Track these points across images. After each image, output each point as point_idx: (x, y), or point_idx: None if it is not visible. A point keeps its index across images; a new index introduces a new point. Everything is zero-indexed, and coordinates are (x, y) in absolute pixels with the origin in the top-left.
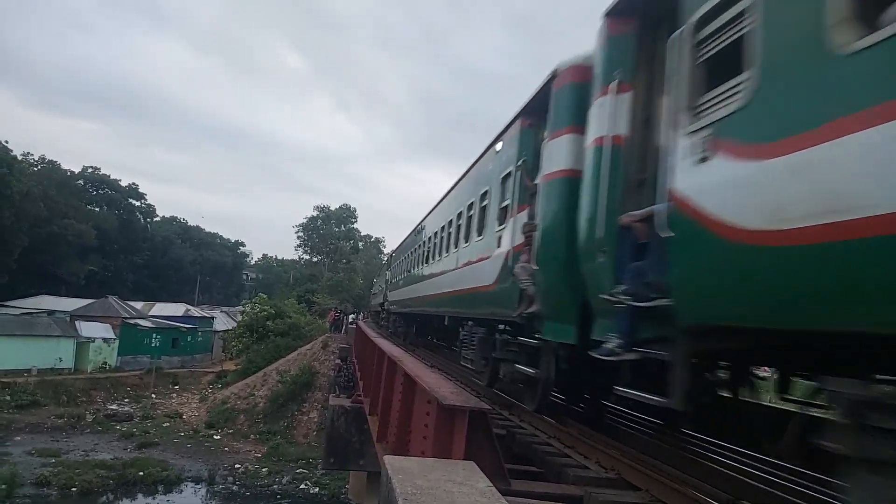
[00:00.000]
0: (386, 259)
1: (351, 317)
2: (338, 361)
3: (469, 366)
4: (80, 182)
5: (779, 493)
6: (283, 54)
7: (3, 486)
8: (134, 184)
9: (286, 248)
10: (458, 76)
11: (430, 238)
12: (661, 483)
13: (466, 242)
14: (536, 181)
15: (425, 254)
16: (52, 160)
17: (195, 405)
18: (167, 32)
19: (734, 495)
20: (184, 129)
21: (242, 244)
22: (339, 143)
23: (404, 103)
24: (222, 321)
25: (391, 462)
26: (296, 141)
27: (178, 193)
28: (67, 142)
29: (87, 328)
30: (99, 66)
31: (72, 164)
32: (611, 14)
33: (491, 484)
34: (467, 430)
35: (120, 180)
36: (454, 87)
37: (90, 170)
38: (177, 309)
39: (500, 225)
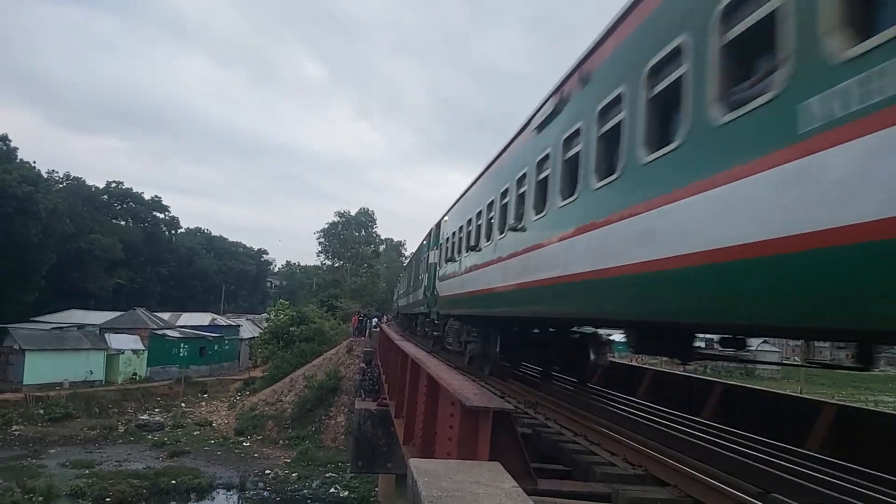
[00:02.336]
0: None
1: (374, 320)
2: (362, 365)
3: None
4: (105, 197)
5: (808, 485)
6: (303, 64)
7: (40, 498)
8: (157, 196)
9: (309, 254)
10: (479, 78)
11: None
12: (689, 478)
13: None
14: None
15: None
16: (76, 177)
17: (224, 413)
18: (190, 47)
19: (764, 489)
20: (206, 141)
21: (265, 252)
22: (360, 150)
23: (425, 108)
24: (248, 329)
25: (416, 464)
26: (317, 149)
27: (201, 205)
28: (92, 158)
29: (116, 340)
30: (123, 83)
31: (96, 180)
32: None
33: (516, 484)
34: (491, 431)
35: (143, 193)
36: (475, 89)
37: (114, 185)
38: (203, 318)
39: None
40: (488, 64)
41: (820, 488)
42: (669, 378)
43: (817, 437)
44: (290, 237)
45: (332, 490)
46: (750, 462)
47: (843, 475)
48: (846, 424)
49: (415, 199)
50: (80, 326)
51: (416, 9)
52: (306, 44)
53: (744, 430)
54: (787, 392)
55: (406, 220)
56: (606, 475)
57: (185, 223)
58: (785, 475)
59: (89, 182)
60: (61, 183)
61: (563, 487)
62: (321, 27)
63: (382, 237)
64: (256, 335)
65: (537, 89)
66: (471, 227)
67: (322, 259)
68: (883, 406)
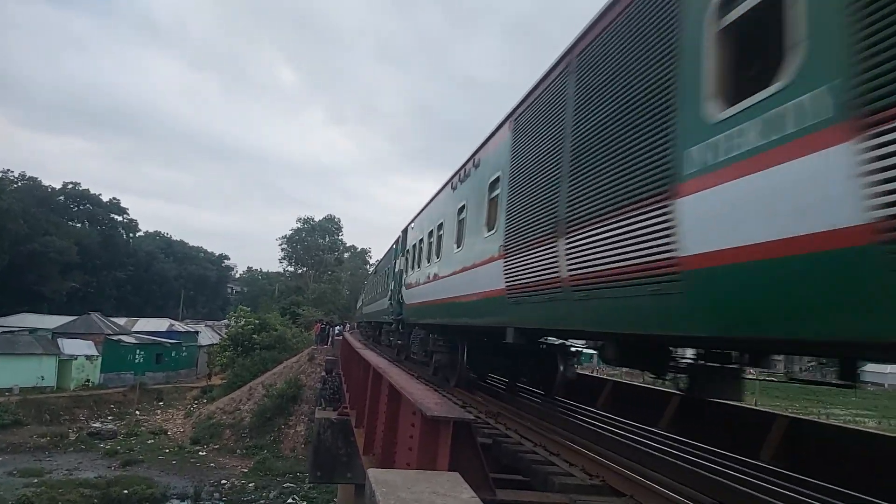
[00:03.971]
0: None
1: (337, 328)
2: (323, 374)
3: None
4: (61, 198)
5: (762, 496)
6: (276, 69)
7: None
8: (115, 199)
9: (271, 260)
10: (455, 86)
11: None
12: (645, 488)
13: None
14: None
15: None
16: (32, 177)
17: (180, 421)
18: (161, 48)
19: (717, 499)
20: (172, 143)
21: (227, 258)
22: (332, 156)
23: (400, 115)
24: (207, 336)
25: (375, 475)
26: (287, 155)
27: (166, 208)
28: (53, 159)
29: (69, 345)
30: (91, 83)
31: (55, 181)
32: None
33: (475, 495)
34: (451, 441)
35: (101, 195)
36: (451, 97)
37: (70, 185)
38: (160, 324)
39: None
40: (465, 72)
41: (770, 499)
42: (628, 389)
43: (770, 449)
44: (254, 242)
45: (289, 501)
46: (704, 473)
47: (792, 486)
48: (798, 436)
49: (387, 205)
50: (33, 331)
51: (393, 16)
52: (281, 48)
53: (699, 441)
54: (742, 404)
55: (377, 227)
56: (565, 485)
57: (149, 226)
58: (737, 486)
59: (46, 183)
60: (16, 183)
61: (521, 498)
62: (296, 32)
63: (348, 244)
64: (216, 342)
65: (513, 97)
66: None
67: (285, 265)
68: (833, 419)
